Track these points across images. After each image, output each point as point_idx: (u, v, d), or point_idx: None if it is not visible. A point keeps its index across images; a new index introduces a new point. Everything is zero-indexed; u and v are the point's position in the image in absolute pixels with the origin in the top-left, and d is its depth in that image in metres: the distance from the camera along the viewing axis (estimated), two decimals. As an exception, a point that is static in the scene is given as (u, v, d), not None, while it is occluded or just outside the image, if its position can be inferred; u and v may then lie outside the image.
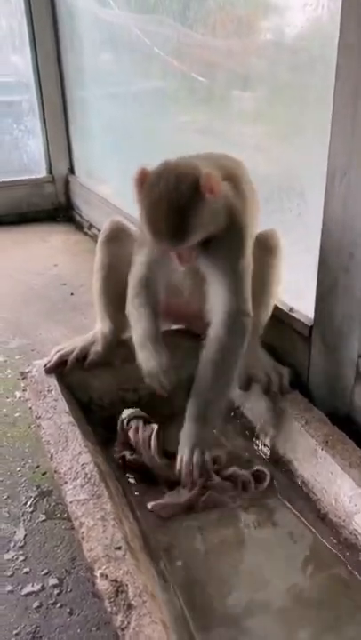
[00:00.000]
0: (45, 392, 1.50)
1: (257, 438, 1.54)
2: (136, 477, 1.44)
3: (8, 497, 1.49)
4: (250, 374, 1.53)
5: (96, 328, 1.70)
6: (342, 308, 1.40)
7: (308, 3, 1.45)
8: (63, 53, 3.22)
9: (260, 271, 1.45)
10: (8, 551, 1.33)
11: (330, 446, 1.30)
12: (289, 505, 1.35)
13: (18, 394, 1.88)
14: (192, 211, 1.22)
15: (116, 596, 0.95)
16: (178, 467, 1.36)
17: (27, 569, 1.29)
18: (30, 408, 1.48)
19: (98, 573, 0.99)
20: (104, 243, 1.66)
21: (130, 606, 0.93)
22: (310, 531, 1.27)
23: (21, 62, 3.32)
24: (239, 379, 1.52)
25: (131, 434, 1.47)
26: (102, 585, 0.97)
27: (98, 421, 1.57)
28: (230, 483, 1.38)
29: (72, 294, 2.57)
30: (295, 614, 1.12)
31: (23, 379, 1.58)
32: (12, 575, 1.28)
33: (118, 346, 1.62)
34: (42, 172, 3.51)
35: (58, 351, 1.62)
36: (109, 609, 0.94)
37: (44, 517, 1.42)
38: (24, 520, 1.42)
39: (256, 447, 1.52)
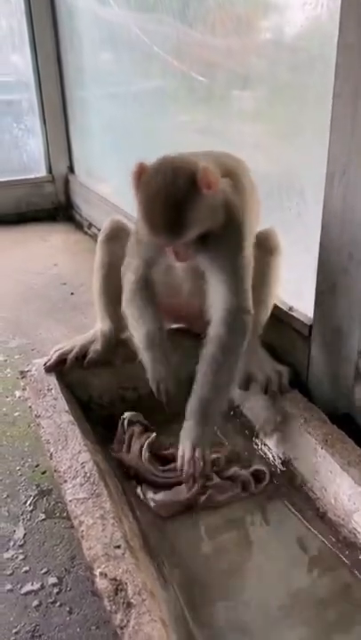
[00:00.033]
0: (45, 391, 1.50)
1: (257, 437, 1.54)
2: (133, 475, 1.44)
3: (8, 496, 1.49)
4: (249, 373, 1.53)
5: (96, 327, 1.70)
6: (342, 307, 1.40)
7: (308, 2, 1.45)
8: (63, 53, 3.22)
9: (259, 270, 1.45)
10: (8, 550, 1.34)
11: (329, 445, 1.30)
12: (288, 504, 1.35)
13: (17, 393, 1.88)
14: (189, 205, 1.22)
15: (116, 594, 0.96)
16: (179, 464, 1.37)
17: (26, 568, 1.29)
18: (30, 407, 1.48)
19: (97, 572, 0.99)
20: (104, 242, 1.67)
21: (129, 605, 0.94)
22: (310, 529, 1.28)
23: (21, 61, 3.31)
24: (238, 378, 1.52)
25: (126, 438, 1.48)
26: (101, 583, 0.98)
27: (97, 420, 1.57)
28: (230, 482, 1.38)
29: (72, 294, 2.57)
30: (295, 613, 1.12)
31: (23, 378, 1.59)
32: (11, 574, 1.28)
33: (118, 345, 1.62)
34: (41, 172, 3.51)
35: (57, 350, 1.63)
36: (109, 607, 0.94)
37: (43, 516, 1.42)
38: (24, 519, 1.42)
39: (256, 446, 1.52)
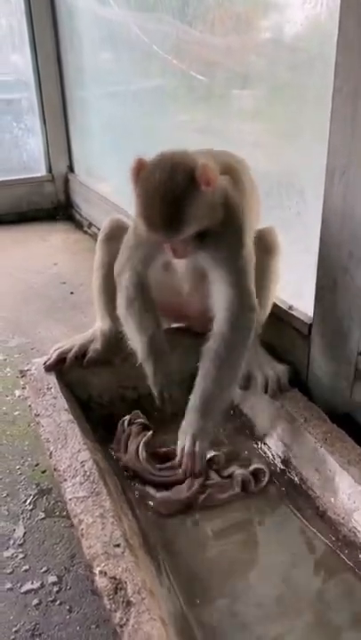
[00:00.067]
0: (45, 390, 1.50)
1: (256, 436, 1.54)
2: (132, 476, 1.44)
3: (7, 495, 1.49)
4: (249, 373, 1.53)
5: (95, 326, 1.70)
6: (342, 305, 1.40)
7: (308, 0, 1.45)
8: (63, 52, 3.22)
9: (258, 269, 1.44)
10: (7, 549, 1.34)
11: (329, 444, 1.30)
12: (288, 503, 1.35)
13: (17, 392, 1.88)
14: (187, 201, 1.21)
15: (115, 593, 0.96)
16: (178, 456, 1.37)
17: (26, 566, 1.29)
18: (30, 406, 1.49)
19: (97, 570, 1.00)
20: (104, 241, 1.66)
21: (129, 603, 0.94)
22: (309, 528, 1.28)
23: (21, 61, 3.32)
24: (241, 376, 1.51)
25: (123, 438, 1.48)
26: (101, 582, 0.98)
27: (97, 419, 1.57)
28: (230, 481, 1.38)
29: (72, 293, 2.57)
30: (295, 611, 1.12)
31: (22, 377, 1.59)
32: (11, 573, 1.28)
33: (118, 344, 1.62)
34: (41, 171, 3.51)
35: (57, 349, 1.63)
36: (108, 606, 0.94)
37: (43, 515, 1.42)
38: (23, 518, 1.42)
39: (255, 445, 1.52)
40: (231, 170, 1.37)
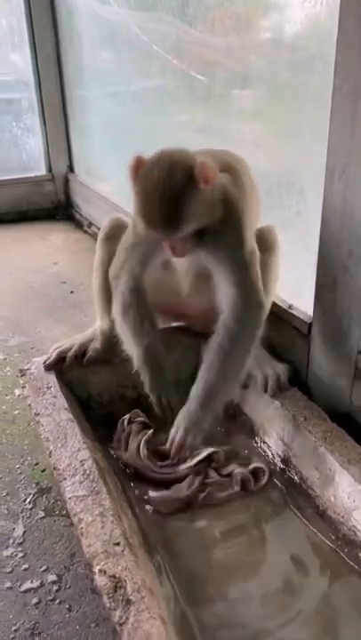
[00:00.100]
0: (44, 389, 1.50)
1: (256, 435, 1.54)
2: (132, 474, 1.44)
3: (7, 494, 1.49)
4: (249, 371, 1.53)
5: (95, 325, 1.70)
6: (341, 304, 1.40)
7: (307, -1, 1.45)
8: (63, 51, 3.22)
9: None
10: (7, 548, 1.33)
11: (329, 443, 1.30)
12: (288, 501, 1.35)
13: (17, 391, 1.88)
14: (186, 199, 1.21)
15: (115, 591, 0.96)
16: (168, 444, 1.38)
17: (26, 565, 1.29)
18: (29, 405, 1.48)
19: (96, 569, 0.99)
20: (103, 240, 1.67)
21: (128, 602, 0.94)
22: (309, 527, 1.27)
23: (21, 60, 3.32)
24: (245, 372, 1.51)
25: (123, 436, 1.48)
26: (101, 581, 0.98)
27: (97, 418, 1.57)
28: (229, 480, 1.38)
29: (72, 292, 2.57)
30: (294, 610, 1.12)
31: (22, 376, 1.59)
32: (11, 572, 1.28)
33: (117, 343, 1.61)
34: (41, 170, 3.51)
35: (57, 348, 1.63)
36: (108, 604, 0.94)
37: (43, 514, 1.42)
38: (23, 517, 1.42)
39: (255, 444, 1.52)
40: (230, 168, 1.36)
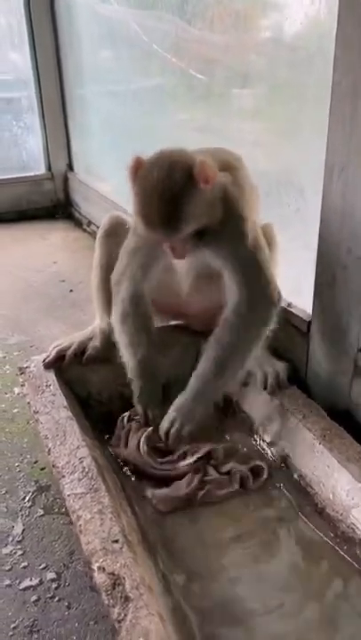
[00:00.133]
0: (44, 387, 1.50)
1: (255, 433, 1.54)
2: (132, 471, 1.44)
3: (6, 492, 1.49)
4: (248, 369, 1.53)
5: (94, 324, 1.70)
6: (340, 302, 1.40)
7: (307, -3, 1.45)
8: (62, 50, 3.22)
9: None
10: (6, 545, 1.34)
11: (327, 440, 1.30)
12: (287, 499, 1.35)
13: (16, 390, 1.88)
14: (186, 199, 1.21)
15: (113, 588, 0.96)
16: (160, 432, 1.41)
17: (25, 563, 1.29)
18: (28, 403, 1.49)
19: (95, 566, 1.00)
20: (103, 238, 1.66)
21: (127, 599, 0.94)
22: (308, 525, 1.28)
23: (20, 59, 3.32)
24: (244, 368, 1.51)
25: (123, 434, 1.48)
26: (99, 578, 0.98)
27: (96, 416, 1.57)
28: (228, 478, 1.38)
29: (71, 291, 2.57)
30: (293, 607, 1.12)
31: (21, 374, 1.59)
32: (10, 569, 1.28)
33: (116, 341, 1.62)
34: (41, 169, 3.51)
35: (56, 346, 1.63)
36: (106, 601, 0.94)
37: (42, 512, 1.42)
38: (22, 515, 1.42)
39: (254, 442, 1.52)
40: (230, 167, 1.36)
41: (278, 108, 1.77)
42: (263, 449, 1.49)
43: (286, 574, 1.19)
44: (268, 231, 1.52)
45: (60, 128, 3.41)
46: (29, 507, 1.44)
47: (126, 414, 1.53)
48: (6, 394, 1.87)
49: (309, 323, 1.53)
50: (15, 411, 1.79)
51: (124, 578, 0.97)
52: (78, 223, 3.38)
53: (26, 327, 2.28)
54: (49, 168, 3.50)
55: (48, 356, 1.60)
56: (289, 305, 1.61)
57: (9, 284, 2.66)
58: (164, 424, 1.41)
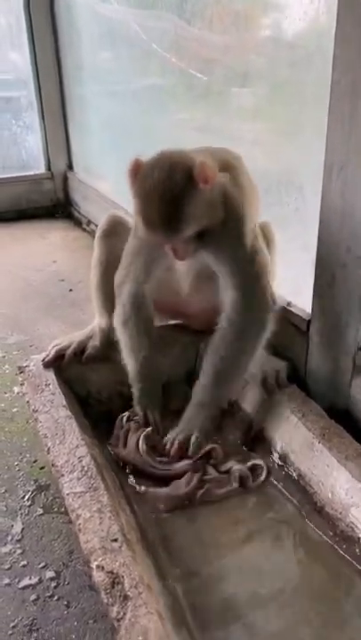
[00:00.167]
0: (43, 386, 1.50)
1: (255, 432, 1.53)
2: (131, 471, 1.44)
3: (6, 491, 1.49)
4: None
5: (94, 323, 1.70)
6: (340, 301, 1.40)
7: (306, -4, 1.45)
8: (62, 49, 3.22)
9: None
10: (6, 544, 1.34)
11: (326, 439, 1.30)
12: (286, 498, 1.35)
13: (16, 389, 1.88)
14: (186, 200, 1.21)
15: (112, 587, 0.96)
16: (169, 445, 1.41)
17: (24, 562, 1.29)
18: (28, 402, 1.49)
19: (94, 565, 1.00)
20: (102, 237, 1.66)
21: (126, 597, 0.94)
22: (307, 523, 1.28)
23: (20, 59, 3.32)
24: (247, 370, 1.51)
25: (122, 433, 1.48)
26: (98, 576, 0.98)
27: (96, 415, 1.57)
28: (228, 477, 1.38)
29: (70, 290, 2.57)
30: (292, 605, 1.12)
31: (21, 373, 1.59)
32: (9, 568, 1.28)
33: (116, 340, 1.62)
34: (40, 169, 3.52)
35: (55, 346, 1.63)
36: (105, 600, 0.94)
37: (41, 511, 1.42)
38: (21, 514, 1.42)
39: (254, 440, 1.52)
40: (230, 167, 1.36)
41: (278, 107, 1.77)
42: (262, 448, 1.49)
43: (285, 573, 1.19)
44: (267, 230, 1.52)
45: (59, 127, 3.41)
46: (29, 506, 1.44)
47: (125, 414, 1.53)
48: (6, 393, 1.87)
49: (309, 322, 1.53)
50: (15, 410, 1.79)
51: (122, 576, 0.97)
52: (78, 222, 3.38)
53: (25, 326, 2.28)
54: (48, 167, 3.50)
55: (47, 355, 1.60)
56: (288, 304, 1.62)
57: (8, 284, 2.66)
58: (172, 435, 1.41)
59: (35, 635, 1.14)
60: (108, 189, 2.98)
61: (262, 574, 1.19)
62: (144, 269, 1.45)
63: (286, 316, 1.60)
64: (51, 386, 1.50)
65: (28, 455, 1.61)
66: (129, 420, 1.52)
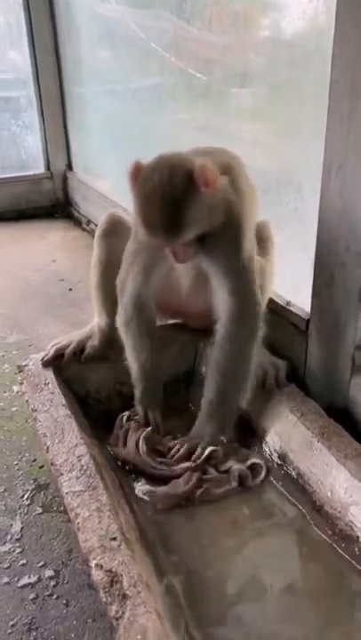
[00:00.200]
0: (42, 385, 1.50)
1: (254, 431, 1.54)
2: (131, 470, 1.44)
3: (5, 490, 1.49)
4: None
5: (93, 322, 1.70)
6: (339, 301, 1.40)
7: (305, -5, 1.45)
8: (61, 49, 3.22)
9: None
10: (5, 543, 1.34)
11: (326, 438, 1.30)
12: (285, 497, 1.35)
13: (15, 388, 1.88)
14: (187, 203, 1.20)
15: (111, 586, 0.96)
16: (174, 451, 1.41)
17: (23, 561, 1.29)
18: (27, 401, 1.49)
19: (93, 564, 1.00)
20: (101, 237, 1.66)
21: (124, 596, 0.94)
22: (306, 522, 1.28)
23: (19, 58, 3.32)
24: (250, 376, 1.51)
25: (121, 433, 1.48)
26: (97, 575, 0.98)
27: (95, 415, 1.57)
28: (227, 476, 1.38)
29: (70, 290, 2.57)
30: (291, 605, 1.12)
31: (20, 372, 1.59)
32: (8, 567, 1.28)
33: (115, 340, 1.62)
34: (40, 168, 3.51)
35: (54, 345, 1.63)
36: (104, 599, 0.94)
37: (40, 510, 1.42)
38: (21, 513, 1.42)
39: (253, 440, 1.52)
40: (229, 169, 1.35)
41: (277, 107, 1.77)
42: (261, 447, 1.49)
43: (285, 572, 1.19)
44: (265, 229, 1.52)
45: (59, 127, 3.40)
46: (28, 505, 1.44)
47: (125, 414, 1.53)
48: (5, 392, 1.87)
49: (308, 321, 1.53)
50: (14, 409, 1.79)
51: (121, 575, 0.97)
52: (77, 222, 3.38)
53: (25, 326, 2.28)
54: (48, 167, 3.50)
55: (47, 355, 1.60)
56: (288, 303, 1.62)
57: (8, 283, 2.66)
58: (179, 442, 1.42)
59: (34, 633, 1.14)
60: (108, 189, 2.98)
61: (261, 573, 1.19)
62: (144, 271, 1.45)
63: (285, 315, 1.61)
64: (50, 385, 1.50)
65: (27, 454, 1.61)
66: (129, 419, 1.52)
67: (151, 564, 1.15)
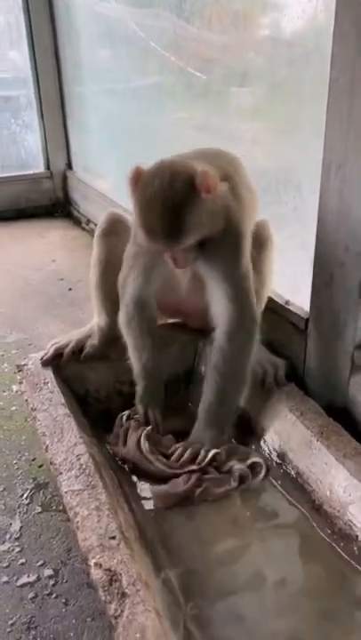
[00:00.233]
0: (41, 384, 1.50)
1: (253, 430, 1.54)
2: (131, 469, 1.44)
3: (4, 489, 1.49)
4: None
5: (92, 321, 1.70)
6: (338, 300, 1.40)
7: (304, -6, 1.45)
8: (61, 48, 3.22)
9: (252, 263, 1.44)
10: (4, 542, 1.34)
11: (325, 437, 1.31)
12: (284, 496, 1.35)
13: (15, 387, 1.88)
14: (187, 209, 1.20)
15: (110, 584, 0.96)
16: (176, 455, 1.40)
17: (22, 560, 1.29)
18: (26, 400, 1.49)
19: (92, 562, 1.00)
20: (101, 236, 1.66)
21: (123, 595, 0.94)
22: (305, 521, 1.28)
23: (19, 57, 3.31)
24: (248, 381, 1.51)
25: (121, 432, 1.48)
26: (96, 574, 0.98)
27: (94, 414, 1.57)
28: (227, 475, 1.38)
29: (70, 289, 2.57)
30: (290, 603, 1.12)
31: (19, 371, 1.59)
32: (7, 566, 1.28)
33: (115, 339, 1.62)
34: (39, 168, 3.51)
35: (54, 344, 1.63)
36: (103, 597, 0.94)
37: (39, 509, 1.42)
38: (20, 512, 1.42)
39: (252, 439, 1.52)
40: (228, 175, 1.35)
41: (276, 106, 1.77)
42: (261, 446, 1.49)
43: (284, 571, 1.19)
44: (264, 228, 1.52)
45: (58, 126, 3.40)
46: (27, 504, 1.44)
47: (125, 413, 1.53)
48: (4, 391, 1.88)
49: (307, 320, 1.53)
50: (13, 408, 1.79)
51: (120, 574, 0.97)
52: (77, 221, 3.38)
53: (24, 325, 2.28)
54: (48, 166, 3.49)
55: (46, 354, 1.60)
56: (287, 302, 1.62)
57: (7, 283, 2.66)
58: (187, 453, 1.40)
59: (33, 632, 1.14)
60: (108, 188, 2.98)
61: (260, 572, 1.19)
62: (144, 273, 1.46)
63: (285, 314, 1.61)
64: (49, 384, 1.50)
65: (26, 453, 1.61)
66: (129, 418, 1.52)
67: (150, 563, 1.15)
